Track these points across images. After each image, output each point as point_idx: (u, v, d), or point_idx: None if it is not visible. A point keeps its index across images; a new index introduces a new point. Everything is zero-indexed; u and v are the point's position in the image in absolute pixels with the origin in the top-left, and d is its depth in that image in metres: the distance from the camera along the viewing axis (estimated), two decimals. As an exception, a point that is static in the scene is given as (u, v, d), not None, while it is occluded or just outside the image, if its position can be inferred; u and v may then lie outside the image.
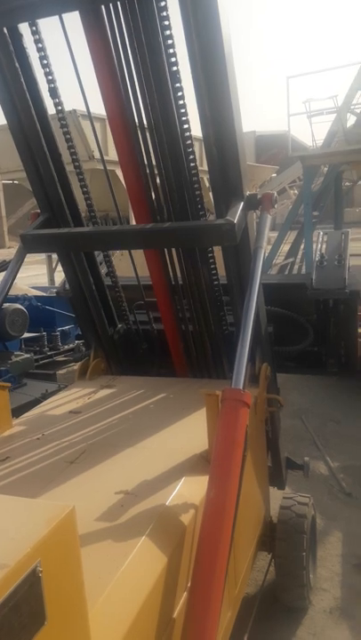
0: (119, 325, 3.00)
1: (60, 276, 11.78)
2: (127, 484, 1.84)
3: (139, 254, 2.81)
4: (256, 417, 2.44)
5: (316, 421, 4.96)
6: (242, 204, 2.12)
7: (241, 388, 1.73)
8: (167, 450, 2.11)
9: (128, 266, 3.02)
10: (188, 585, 1.61)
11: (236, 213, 2.06)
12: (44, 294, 7.40)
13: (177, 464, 1.99)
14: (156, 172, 2.35)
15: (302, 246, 9.44)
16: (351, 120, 9.24)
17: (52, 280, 11.62)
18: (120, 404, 2.60)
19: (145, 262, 2.68)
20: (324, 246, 3.00)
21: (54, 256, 11.72)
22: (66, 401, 2.72)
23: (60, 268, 11.92)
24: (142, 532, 1.58)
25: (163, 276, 2.70)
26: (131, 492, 1.81)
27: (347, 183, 12.99)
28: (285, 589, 2.71)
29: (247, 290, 2.04)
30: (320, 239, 3.01)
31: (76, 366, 3.07)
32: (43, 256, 11.39)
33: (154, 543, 1.57)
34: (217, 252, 2.52)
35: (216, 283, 2.57)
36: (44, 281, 11.80)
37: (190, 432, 2.23)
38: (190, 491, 1.84)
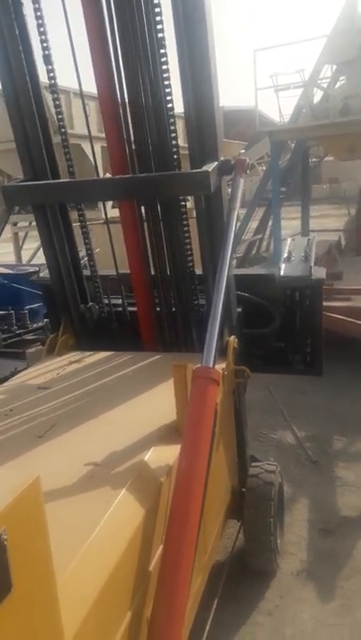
0: (91, 303, 3.00)
1: (26, 253, 11.61)
2: (96, 456, 1.85)
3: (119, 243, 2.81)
4: (224, 388, 2.47)
5: (284, 393, 5.06)
6: (216, 163, 2.29)
7: (211, 365, 1.79)
8: (136, 421, 2.13)
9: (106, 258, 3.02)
10: (159, 552, 1.66)
11: (211, 166, 2.23)
12: (11, 272, 7.28)
13: (146, 435, 2.01)
14: (134, 127, 2.47)
15: (270, 223, 9.47)
16: (318, 95, 9.23)
17: (19, 257, 11.42)
18: (89, 379, 2.61)
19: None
20: (291, 248, 3.10)
21: (21, 233, 11.51)
22: (34, 376, 2.70)
23: (26, 245, 11.81)
24: (112, 501, 1.60)
25: (138, 246, 2.73)
26: (100, 463, 1.82)
27: (314, 159, 13.03)
28: (254, 555, 2.79)
29: (220, 253, 2.13)
30: (288, 243, 3.15)
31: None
32: (9, 234, 11.15)
33: (123, 511, 1.59)
34: (192, 226, 2.58)
35: (189, 253, 2.64)
36: (11, 259, 11.59)
37: (159, 404, 2.25)
38: (160, 460, 1.86)
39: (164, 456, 1.89)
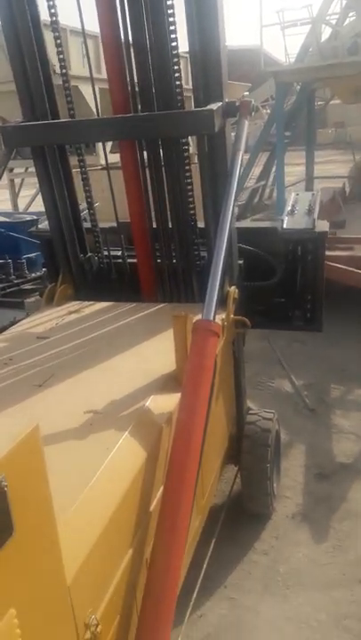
0: (90, 254, 2.97)
1: (23, 201, 11.41)
2: (96, 404, 1.88)
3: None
4: (224, 339, 2.48)
5: (282, 342, 5.09)
6: (221, 103, 2.27)
7: (211, 318, 1.80)
8: (136, 371, 2.14)
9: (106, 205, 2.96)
10: (159, 495, 1.71)
11: (216, 106, 2.21)
12: (8, 220, 7.17)
13: (146, 384, 2.03)
14: (137, 66, 2.42)
15: (274, 169, 9.25)
16: (326, 33, 8.81)
17: (15, 205, 11.23)
18: (88, 328, 2.61)
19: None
20: (295, 203, 3.04)
21: (17, 180, 11.27)
22: (33, 325, 2.70)
23: (23, 193, 11.58)
24: (112, 447, 1.63)
25: (139, 193, 2.68)
26: (99, 411, 1.85)
27: (320, 102, 12.60)
28: (251, 499, 2.88)
29: (223, 198, 2.14)
30: (292, 197, 3.09)
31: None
32: (5, 180, 10.93)
33: (123, 457, 1.63)
34: (194, 173, 2.54)
35: (191, 201, 2.60)
36: (8, 207, 11.40)
37: (159, 353, 2.26)
38: (159, 408, 1.89)
39: (163, 404, 1.91)
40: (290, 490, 3.18)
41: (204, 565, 2.31)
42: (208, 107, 2.24)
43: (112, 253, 2.99)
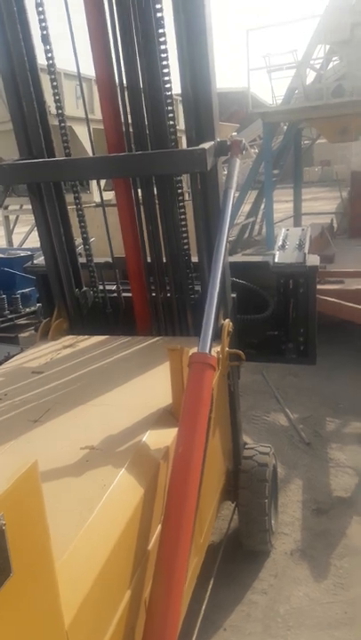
0: (85, 288, 2.99)
1: (17, 237, 11.50)
2: (92, 440, 1.85)
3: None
4: (219, 372, 2.48)
5: (276, 376, 5.09)
6: (213, 142, 2.31)
7: (208, 351, 1.81)
8: (131, 405, 2.13)
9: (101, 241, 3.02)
10: (157, 534, 1.67)
11: (208, 145, 2.25)
12: (3, 256, 7.22)
13: (142, 419, 2.01)
14: (131, 107, 2.49)
15: (263, 206, 9.43)
16: (311, 76, 9.13)
17: (9, 241, 11.32)
18: (83, 363, 2.60)
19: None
20: (285, 238, 3.11)
21: (12, 217, 11.39)
22: (28, 360, 2.69)
23: (17, 229, 11.70)
24: (109, 484, 1.60)
25: (134, 229, 2.72)
26: (96, 446, 1.82)
27: (306, 141, 12.95)
28: (249, 535, 2.82)
29: (216, 234, 2.18)
30: (282, 233, 3.16)
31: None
32: (0, 217, 11.05)
33: (121, 494, 1.60)
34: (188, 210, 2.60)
35: (185, 237, 2.64)
36: (3, 243, 11.48)
37: (154, 387, 2.25)
38: (156, 443, 1.87)
39: (160, 439, 1.89)
40: (288, 526, 3.13)
41: (203, 606, 2.25)
42: (201, 146, 2.29)
43: (107, 287, 3.01)
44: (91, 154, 3.03)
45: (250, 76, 8.60)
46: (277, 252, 2.96)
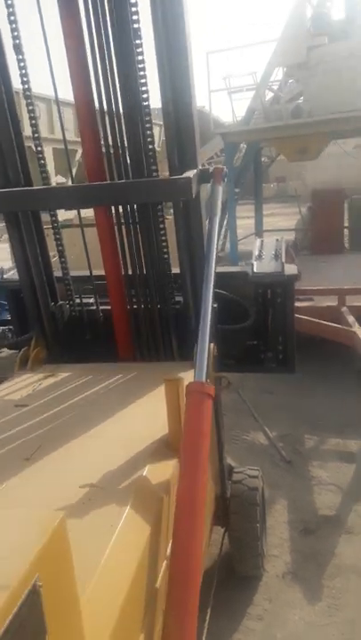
0: (61, 302, 2.93)
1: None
2: (91, 477, 1.80)
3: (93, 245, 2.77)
4: None
5: (252, 394, 5.11)
6: (195, 171, 2.33)
7: (204, 380, 1.79)
8: (126, 437, 2.08)
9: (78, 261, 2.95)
10: (163, 570, 1.64)
11: (192, 173, 2.27)
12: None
13: (138, 452, 1.97)
14: (115, 141, 2.47)
15: (225, 222, 9.55)
16: (269, 96, 9.36)
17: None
18: (68, 393, 2.53)
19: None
20: (261, 248, 3.15)
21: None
22: (8, 392, 2.60)
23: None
24: (116, 524, 1.56)
25: (113, 243, 2.69)
26: (96, 484, 1.77)
27: (264, 159, 13.23)
28: (241, 560, 2.80)
29: (205, 265, 2.18)
30: (257, 244, 3.21)
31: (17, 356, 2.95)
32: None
33: (128, 534, 1.56)
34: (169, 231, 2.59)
35: (166, 257, 2.63)
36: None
37: (146, 417, 2.21)
38: (157, 477, 1.83)
39: (160, 473, 1.86)
40: (277, 548, 3.12)
41: (203, 638, 2.21)
42: (185, 174, 2.31)
43: (86, 309, 2.96)
44: (54, 174, 3.00)
45: (211, 97, 8.74)
46: (255, 263, 2.99)
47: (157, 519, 1.69)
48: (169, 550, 1.61)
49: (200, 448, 1.69)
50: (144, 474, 1.82)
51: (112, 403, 2.39)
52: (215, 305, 2.82)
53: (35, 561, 0.91)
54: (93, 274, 2.91)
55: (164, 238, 2.62)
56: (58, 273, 2.94)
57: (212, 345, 2.62)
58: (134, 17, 2.26)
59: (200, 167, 2.46)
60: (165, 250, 2.64)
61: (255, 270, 2.92)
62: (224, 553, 2.85)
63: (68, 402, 2.44)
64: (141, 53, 2.30)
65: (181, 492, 1.63)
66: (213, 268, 2.19)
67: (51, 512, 1.06)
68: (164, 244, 2.63)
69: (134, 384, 2.58)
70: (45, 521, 1.02)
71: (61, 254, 2.90)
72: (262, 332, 3.05)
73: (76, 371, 2.78)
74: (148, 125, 2.44)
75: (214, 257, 2.22)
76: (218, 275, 3.21)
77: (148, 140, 2.45)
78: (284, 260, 2.99)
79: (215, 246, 2.26)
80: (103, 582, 1.36)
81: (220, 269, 3.29)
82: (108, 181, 2.53)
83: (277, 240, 3.28)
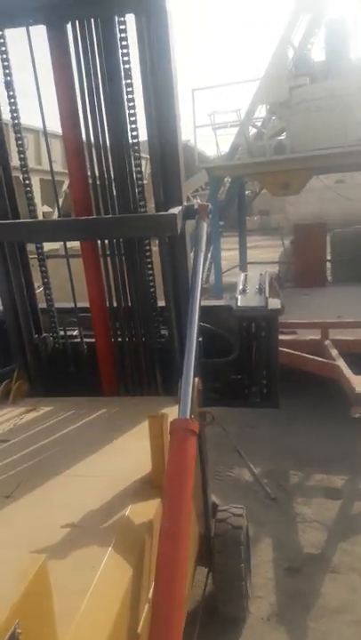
0: (44, 334, 2.90)
1: None
2: (72, 516, 1.75)
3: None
4: None
5: (234, 427, 5.06)
6: (180, 207, 2.38)
7: (188, 416, 1.77)
8: (109, 475, 2.04)
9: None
10: (145, 614, 1.59)
11: (177, 210, 2.31)
12: None
13: (121, 490, 1.93)
14: (102, 175, 2.50)
15: (209, 255, 9.64)
16: (253, 133, 9.59)
17: None
18: (51, 429, 2.49)
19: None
20: (245, 282, 3.18)
21: None
22: None
23: None
24: (97, 566, 1.51)
25: (100, 283, 2.69)
26: (77, 524, 1.73)
27: (248, 193, 13.47)
28: (226, 602, 2.73)
29: (190, 294, 2.19)
30: (241, 278, 3.23)
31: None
32: None
33: (110, 576, 1.51)
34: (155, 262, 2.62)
35: (153, 290, 2.63)
36: None
37: (129, 454, 2.18)
38: (139, 517, 1.79)
39: (143, 512, 1.82)
40: (262, 588, 3.05)
41: None
42: (170, 211, 2.34)
43: (70, 341, 2.94)
44: (40, 204, 3.03)
45: (196, 132, 8.95)
46: (239, 296, 3.00)
47: (140, 560, 1.65)
48: (151, 593, 1.56)
49: (184, 486, 1.66)
50: (126, 513, 1.78)
51: (95, 438, 2.35)
52: (200, 339, 2.83)
53: (15, 607, 0.88)
54: (78, 305, 2.90)
55: (150, 272, 2.63)
56: (42, 304, 2.93)
57: (196, 379, 2.61)
58: (124, 58, 2.31)
59: (185, 203, 2.48)
60: (152, 283, 2.64)
61: (239, 304, 2.93)
62: (208, 594, 2.78)
63: (49, 437, 2.40)
64: (131, 93, 2.35)
65: (164, 531, 1.59)
66: (198, 303, 2.19)
67: (32, 555, 1.02)
68: (150, 277, 2.63)
69: (118, 419, 2.54)
70: (26, 565, 0.99)
71: (46, 286, 2.89)
72: (247, 366, 3.05)
73: (59, 405, 2.73)
74: (136, 161, 2.47)
75: (199, 292, 2.23)
76: (202, 308, 3.22)
77: (136, 175, 2.48)
78: (267, 294, 3.01)
79: (200, 281, 2.27)
80: (83, 628, 1.32)
81: (205, 303, 3.33)
82: (95, 216, 2.54)
83: (261, 274, 3.31)
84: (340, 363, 4.73)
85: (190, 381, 1.93)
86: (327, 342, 5.29)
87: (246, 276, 3.34)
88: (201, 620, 2.57)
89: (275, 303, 2.96)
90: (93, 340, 2.85)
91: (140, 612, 1.59)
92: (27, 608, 0.91)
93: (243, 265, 10.67)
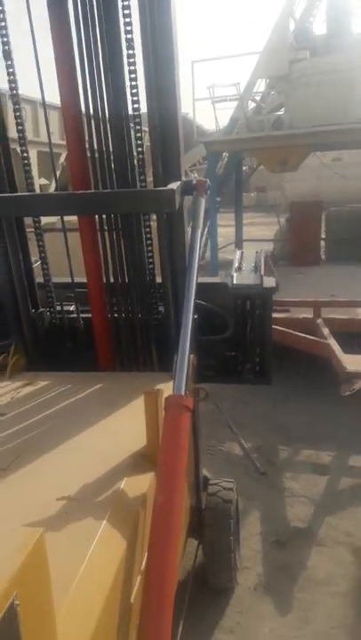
0: (41, 309, 2.91)
1: None
2: (68, 490, 1.79)
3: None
4: None
5: (227, 404, 5.13)
6: (179, 183, 2.38)
7: (183, 393, 1.79)
8: (104, 449, 2.08)
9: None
10: (137, 585, 1.63)
11: (175, 185, 2.31)
12: None
13: (117, 464, 1.97)
14: (101, 147, 2.46)
15: (206, 231, 9.59)
16: (252, 107, 9.46)
17: None
18: (47, 403, 2.51)
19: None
20: (240, 260, 3.19)
21: None
22: None
23: None
24: (92, 538, 1.55)
25: (95, 250, 2.68)
26: (73, 497, 1.76)
27: (245, 169, 13.35)
28: (215, 574, 2.81)
29: (186, 271, 2.20)
30: (237, 255, 3.25)
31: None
32: None
33: (104, 548, 1.55)
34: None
35: (151, 266, 2.64)
36: None
37: (125, 428, 2.21)
38: (134, 491, 1.83)
39: (137, 486, 1.86)
40: (249, 560, 3.14)
41: (175, 652, 2.20)
42: (169, 186, 2.33)
43: (67, 316, 2.95)
44: (37, 177, 2.99)
45: (195, 105, 8.81)
46: (235, 274, 3.02)
47: (134, 533, 1.69)
48: (144, 564, 1.61)
49: (177, 461, 1.69)
50: (121, 487, 1.82)
51: (91, 413, 2.38)
52: (195, 315, 2.84)
53: (13, 579, 0.91)
54: (75, 281, 2.90)
55: (149, 247, 2.63)
56: (39, 279, 2.92)
57: (191, 356, 2.63)
58: (127, 27, 2.27)
59: (183, 178, 2.47)
60: (150, 259, 2.64)
61: (235, 282, 2.94)
62: (198, 564, 2.86)
63: (46, 411, 2.42)
64: (133, 64, 2.31)
65: (157, 506, 1.62)
66: (195, 280, 2.20)
67: (29, 529, 1.05)
68: (149, 253, 2.63)
69: (114, 394, 2.57)
70: (24, 537, 1.01)
71: (44, 260, 2.88)
72: (241, 343, 3.07)
73: (55, 379, 2.75)
74: (137, 134, 2.44)
75: (196, 269, 2.23)
76: (198, 285, 3.24)
77: (136, 148, 2.46)
78: (263, 272, 3.02)
79: (197, 258, 2.28)
80: (78, 599, 1.36)
81: (201, 280, 3.34)
82: (93, 190, 2.53)
83: (257, 252, 3.32)
84: (332, 341, 4.78)
85: (186, 358, 1.95)
86: (319, 321, 5.33)
87: (242, 253, 3.35)
88: (191, 590, 2.65)
89: (270, 281, 2.98)
90: (90, 315, 2.86)
91: (133, 583, 1.64)
92: (24, 580, 0.94)
93: (238, 242, 10.63)
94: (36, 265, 2.93)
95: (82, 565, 1.44)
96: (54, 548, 1.54)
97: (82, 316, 2.94)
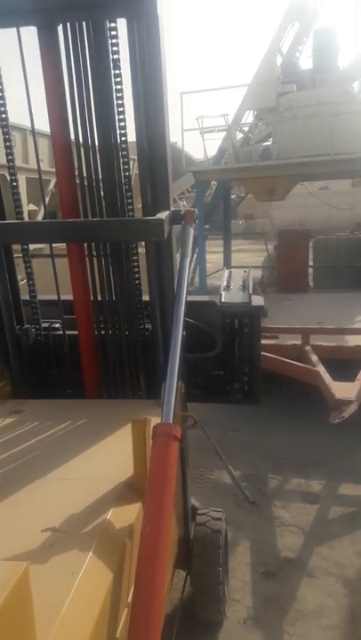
0: (26, 325, 2.88)
1: None
2: (53, 520, 1.76)
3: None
4: None
5: (217, 431, 5.10)
6: (168, 212, 2.40)
7: (171, 422, 1.78)
8: (91, 479, 2.05)
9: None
10: (124, 618, 1.60)
11: (164, 215, 2.34)
12: None
13: (103, 494, 1.94)
14: (90, 175, 2.48)
15: (195, 258, 9.68)
16: (240, 138, 9.66)
17: None
18: (33, 431, 2.48)
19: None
20: (229, 279, 3.21)
21: None
22: None
23: None
24: (77, 572, 1.51)
25: (85, 287, 2.68)
26: (58, 528, 1.73)
27: (234, 197, 13.54)
28: (203, 606, 2.74)
29: (175, 301, 2.22)
30: (225, 275, 3.27)
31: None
32: None
33: (90, 581, 1.52)
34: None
35: (138, 293, 2.64)
36: None
37: (112, 458, 2.18)
38: (120, 521, 1.80)
39: (124, 516, 1.83)
40: (238, 592, 3.07)
41: None
42: (158, 216, 2.35)
43: (53, 340, 2.93)
44: (26, 203, 3.00)
45: (183, 135, 8.97)
46: (223, 293, 3.03)
47: (120, 565, 1.66)
48: (131, 597, 1.58)
49: (165, 492, 1.67)
50: (108, 517, 1.79)
51: (78, 442, 2.34)
52: (184, 332, 2.84)
53: None
54: (63, 304, 2.89)
55: (137, 275, 2.63)
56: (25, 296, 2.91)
57: (180, 382, 2.62)
58: (115, 61, 2.32)
59: (172, 208, 2.50)
60: (138, 285, 2.64)
61: (223, 300, 2.96)
62: (185, 596, 2.79)
63: (32, 440, 2.39)
64: (121, 98, 2.36)
65: (145, 537, 1.60)
66: (183, 308, 2.21)
67: (13, 563, 1.02)
68: (137, 280, 2.64)
69: (101, 423, 2.54)
70: (7, 572, 0.99)
71: (29, 276, 2.87)
72: (229, 361, 3.07)
73: (42, 407, 2.72)
74: (125, 165, 2.47)
75: (185, 298, 2.24)
76: (187, 303, 3.24)
77: (125, 176, 2.48)
78: (251, 291, 3.04)
79: (185, 287, 2.29)
80: (63, 634, 1.32)
81: (190, 298, 3.37)
82: (82, 219, 2.54)
83: (245, 271, 3.34)
84: (321, 369, 4.79)
85: (174, 385, 1.94)
86: (308, 348, 5.35)
87: (231, 273, 3.37)
88: (179, 623, 2.59)
89: (258, 300, 2.99)
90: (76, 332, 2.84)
91: (119, 617, 1.60)
92: (7, 615, 0.91)
93: (227, 267, 10.72)
94: (23, 283, 2.93)
95: (67, 599, 1.40)
96: (39, 581, 1.50)
97: (68, 336, 2.92)
